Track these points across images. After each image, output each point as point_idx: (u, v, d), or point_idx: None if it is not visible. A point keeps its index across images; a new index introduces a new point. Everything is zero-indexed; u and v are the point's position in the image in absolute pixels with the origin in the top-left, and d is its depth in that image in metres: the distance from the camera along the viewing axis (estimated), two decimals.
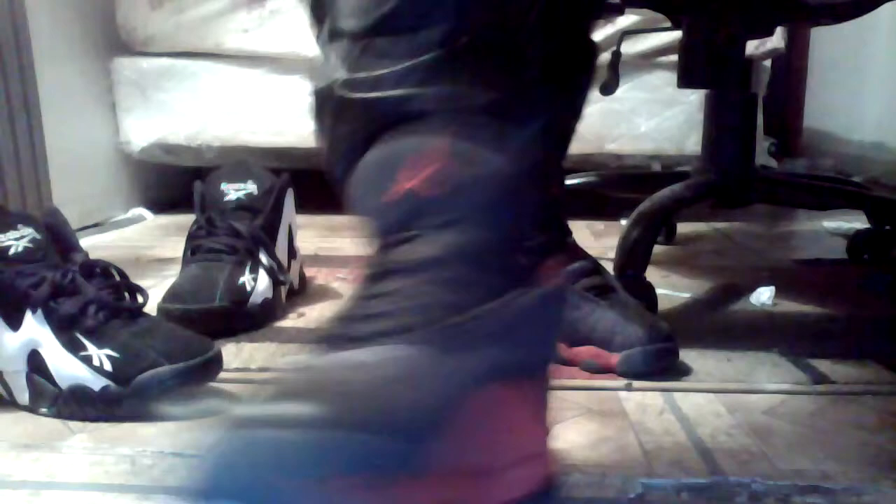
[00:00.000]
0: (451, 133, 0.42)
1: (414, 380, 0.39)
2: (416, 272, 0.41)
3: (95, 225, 1.57)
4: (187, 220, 1.01)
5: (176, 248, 1.07)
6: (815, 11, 1.10)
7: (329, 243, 1.39)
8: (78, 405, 0.67)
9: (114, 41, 1.61)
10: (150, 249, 1.37)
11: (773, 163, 1.87)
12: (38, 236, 0.71)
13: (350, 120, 0.45)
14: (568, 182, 1.29)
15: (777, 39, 1.58)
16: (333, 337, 0.42)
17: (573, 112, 0.63)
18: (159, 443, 0.62)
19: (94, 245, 1.39)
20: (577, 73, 0.60)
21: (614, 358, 0.76)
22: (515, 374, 0.41)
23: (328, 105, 0.45)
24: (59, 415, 0.68)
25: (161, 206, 1.80)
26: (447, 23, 0.43)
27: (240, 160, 1.04)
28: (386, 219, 0.43)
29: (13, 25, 1.28)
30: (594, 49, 0.63)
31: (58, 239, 0.73)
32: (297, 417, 0.37)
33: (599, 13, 0.54)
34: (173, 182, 1.85)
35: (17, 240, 0.70)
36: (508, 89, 0.44)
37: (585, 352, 0.78)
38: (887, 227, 1.21)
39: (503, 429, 0.40)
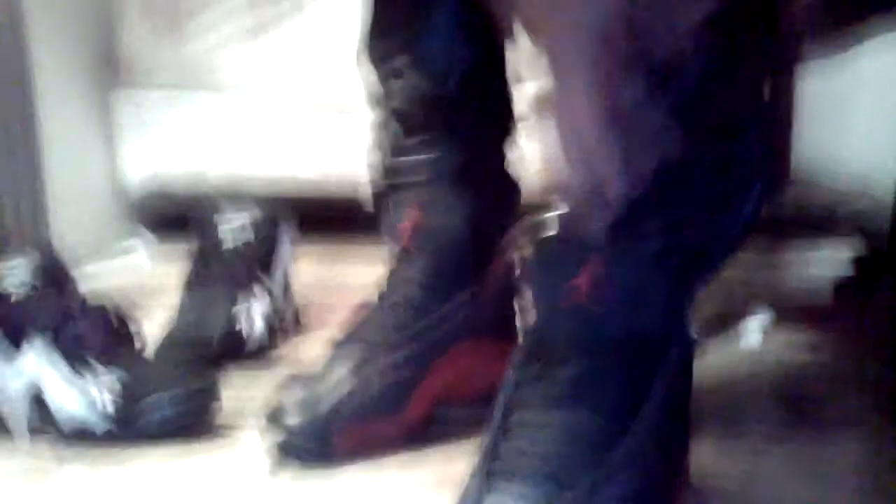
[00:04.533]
0: None
1: None
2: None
3: (94, 256, 1.58)
4: (185, 251, 1.02)
5: (174, 278, 1.07)
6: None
7: (329, 272, 1.39)
8: (79, 441, 0.68)
9: (114, 73, 1.62)
10: (148, 279, 1.37)
11: None
12: (33, 270, 0.72)
13: None
14: None
15: None
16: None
17: None
18: (156, 473, 0.63)
19: (93, 275, 1.40)
20: None
21: None
22: None
23: None
24: (59, 448, 0.68)
25: (160, 237, 1.80)
26: None
27: (237, 194, 1.05)
28: None
29: (13, 56, 1.29)
30: None
31: (53, 273, 0.74)
32: None
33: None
34: (173, 214, 1.85)
35: (13, 273, 0.71)
36: None
37: None
38: (874, 261, 1.22)
39: None
